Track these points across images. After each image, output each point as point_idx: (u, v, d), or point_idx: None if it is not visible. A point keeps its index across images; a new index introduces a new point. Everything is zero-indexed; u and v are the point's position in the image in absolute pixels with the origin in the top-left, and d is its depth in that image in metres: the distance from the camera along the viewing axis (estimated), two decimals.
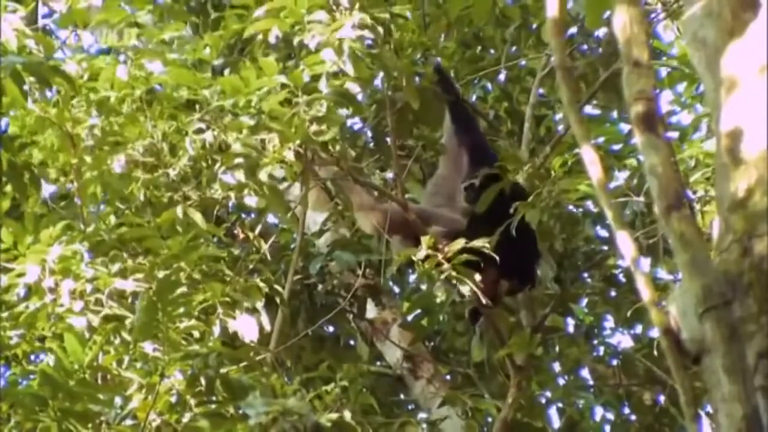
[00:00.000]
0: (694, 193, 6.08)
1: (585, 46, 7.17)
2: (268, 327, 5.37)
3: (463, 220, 6.28)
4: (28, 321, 4.80)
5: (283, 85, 5.27)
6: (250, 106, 5.22)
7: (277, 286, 5.71)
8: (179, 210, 5.17)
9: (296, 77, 5.27)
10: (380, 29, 5.41)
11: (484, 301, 5.94)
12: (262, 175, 5.20)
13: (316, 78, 5.33)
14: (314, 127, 5.24)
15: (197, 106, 5.26)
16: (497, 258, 5.74)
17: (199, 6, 6.87)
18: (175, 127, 5.22)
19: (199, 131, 5.19)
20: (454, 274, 5.69)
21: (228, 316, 5.17)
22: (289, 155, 5.22)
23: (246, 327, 5.20)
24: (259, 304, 5.30)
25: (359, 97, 5.55)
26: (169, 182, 5.23)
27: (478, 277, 5.79)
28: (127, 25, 5.78)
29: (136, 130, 5.22)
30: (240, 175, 5.19)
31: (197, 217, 5.18)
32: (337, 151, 5.62)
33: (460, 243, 5.69)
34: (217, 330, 5.13)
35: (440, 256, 5.70)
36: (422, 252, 5.67)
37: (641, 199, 6.24)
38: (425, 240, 5.70)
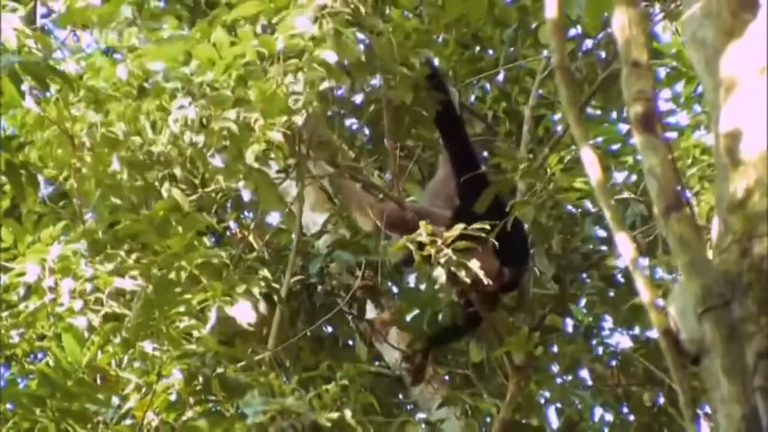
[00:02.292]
0: (690, 189, 6.09)
1: (585, 47, 7.17)
2: (265, 313, 5.33)
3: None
4: (28, 320, 4.80)
5: (259, 54, 5.17)
6: (228, 77, 5.11)
7: (275, 285, 5.70)
8: (164, 190, 5.10)
9: (269, 43, 5.13)
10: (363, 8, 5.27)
11: (484, 306, 5.90)
12: (249, 157, 5.09)
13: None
14: (292, 99, 5.13)
15: (179, 86, 5.17)
16: (497, 247, 5.72)
17: (193, 2, 6.83)
18: (159, 105, 5.15)
19: (181, 107, 5.10)
20: (454, 258, 5.57)
21: (225, 303, 5.12)
22: (276, 136, 5.10)
23: (242, 313, 5.15)
24: (256, 290, 5.26)
25: (358, 100, 5.47)
26: (154, 160, 5.15)
27: (477, 263, 5.70)
28: (126, 24, 5.76)
29: (128, 121, 5.17)
30: (226, 158, 5.08)
31: (176, 192, 5.10)
32: (332, 146, 5.55)
33: (459, 228, 5.61)
34: (213, 318, 5.07)
35: (440, 241, 5.61)
36: (422, 236, 5.58)
37: (640, 199, 6.25)
38: (423, 225, 5.61)
